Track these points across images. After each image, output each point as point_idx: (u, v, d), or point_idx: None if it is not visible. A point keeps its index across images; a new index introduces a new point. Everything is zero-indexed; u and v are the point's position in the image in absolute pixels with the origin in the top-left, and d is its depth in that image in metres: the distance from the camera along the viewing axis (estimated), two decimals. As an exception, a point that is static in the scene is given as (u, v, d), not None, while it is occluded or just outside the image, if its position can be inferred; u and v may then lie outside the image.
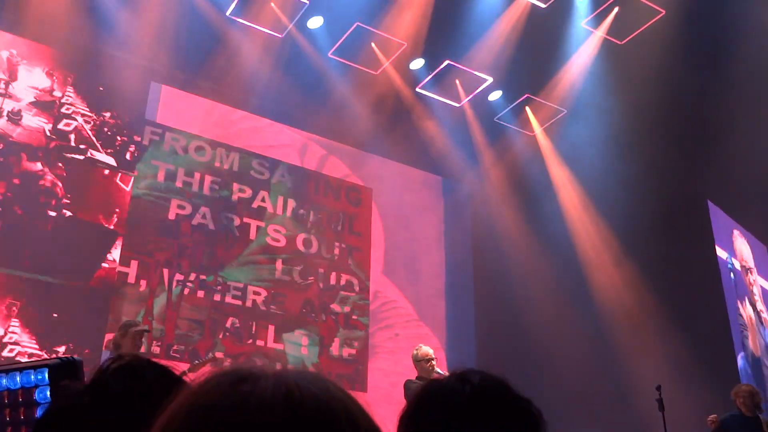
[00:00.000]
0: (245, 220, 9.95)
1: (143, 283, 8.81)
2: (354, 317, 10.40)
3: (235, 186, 10.04)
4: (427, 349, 6.84)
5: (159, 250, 9.12)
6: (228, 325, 9.25)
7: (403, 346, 10.54)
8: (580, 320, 9.79)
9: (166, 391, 0.71)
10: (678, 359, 8.54)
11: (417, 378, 6.87)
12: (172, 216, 9.37)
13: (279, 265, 9.97)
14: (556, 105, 10.96)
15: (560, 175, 11.20)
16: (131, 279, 8.76)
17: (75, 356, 2.00)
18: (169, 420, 0.62)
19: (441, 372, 6.68)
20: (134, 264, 8.87)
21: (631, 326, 9.56)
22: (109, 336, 7.85)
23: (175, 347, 8.79)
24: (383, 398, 9.31)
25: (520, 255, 10.66)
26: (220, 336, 9.16)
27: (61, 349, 7.89)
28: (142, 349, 6.02)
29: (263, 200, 10.22)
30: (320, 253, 10.44)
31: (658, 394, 7.02)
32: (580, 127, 10.51)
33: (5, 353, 7.63)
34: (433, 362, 6.72)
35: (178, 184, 9.57)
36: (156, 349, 8.53)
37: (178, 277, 9.08)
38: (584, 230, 10.70)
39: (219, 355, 8.37)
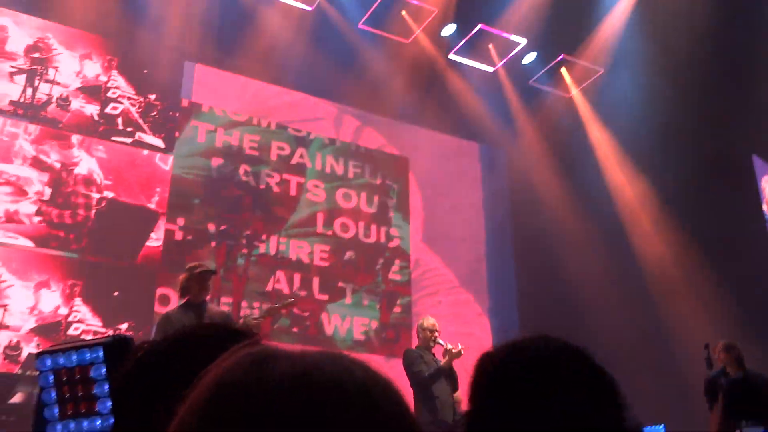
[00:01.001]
0: (285, 176, 10.06)
1: (188, 259, 8.97)
2: (396, 285, 10.47)
3: (273, 154, 10.13)
4: (433, 321, 6.88)
5: (201, 223, 9.27)
6: (280, 287, 9.40)
7: (446, 312, 10.61)
8: (624, 281, 9.70)
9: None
10: (725, 317, 8.44)
11: (417, 347, 6.91)
12: (212, 191, 9.50)
13: (321, 227, 10.08)
14: (592, 64, 10.76)
15: (598, 136, 11.04)
16: (176, 254, 8.94)
17: (127, 334, 2.07)
18: (193, 397, 0.65)
19: (442, 343, 6.72)
20: (179, 239, 9.04)
21: (676, 285, 9.44)
22: (159, 310, 8.05)
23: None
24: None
25: (560, 218, 10.58)
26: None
27: (124, 327, 8.15)
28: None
29: (301, 156, 10.32)
30: (358, 235, 10.50)
31: (706, 353, 6.95)
32: (617, 85, 10.32)
33: (71, 331, 7.92)
34: (437, 334, 6.72)
35: (216, 159, 9.69)
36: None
37: (226, 248, 9.24)
38: (625, 190, 10.55)
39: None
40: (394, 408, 0.65)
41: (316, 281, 9.82)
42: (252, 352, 0.67)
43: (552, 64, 10.93)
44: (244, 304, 9.19)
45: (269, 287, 9.45)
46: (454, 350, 6.46)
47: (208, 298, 5.37)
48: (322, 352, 0.68)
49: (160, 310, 8.18)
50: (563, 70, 11.10)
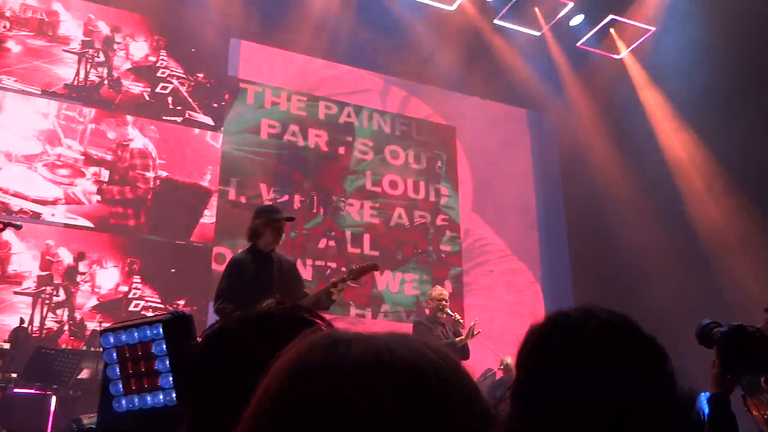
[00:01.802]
0: (333, 151, 10.12)
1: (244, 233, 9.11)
2: (447, 255, 10.48)
3: (321, 129, 10.19)
4: (441, 290, 6.79)
5: (253, 198, 9.40)
6: (339, 263, 9.51)
7: (498, 282, 10.59)
8: (678, 246, 9.49)
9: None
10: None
11: (426, 318, 6.86)
12: (262, 165, 9.61)
13: (371, 196, 10.13)
14: (642, 24, 10.44)
15: (651, 98, 10.74)
16: (229, 230, 9.09)
17: (185, 311, 2.14)
18: (269, 380, 0.67)
19: (451, 314, 6.66)
20: (232, 215, 9.19)
21: (733, 249, 9.19)
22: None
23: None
24: (481, 334, 9.40)
25: (612, 183, 10.38)
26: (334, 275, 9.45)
27: (181, 302, 8.37)
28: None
29: (349, 132, 10.36)
30: (407, 192, 10.51)
31: (766, 317, 6.78)
32: (669, 44, 9.99)
33: (131, 308, 8.18)
34: (444, 303, 6.63)
35: (264, 135, 9.79)
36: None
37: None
38: (679, 153, 10.27)
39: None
40: (467, 390, 0.66)
41: (366, 251, 9.88)
42: (324, 335, 0.68)
43: (600, 25, 10.65)
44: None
45: (322, 262, 9.55)
46: (475, 331, 6.44)
47: None
48: (391, 333, 0.68)
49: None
50: (612, 30, 10.81)
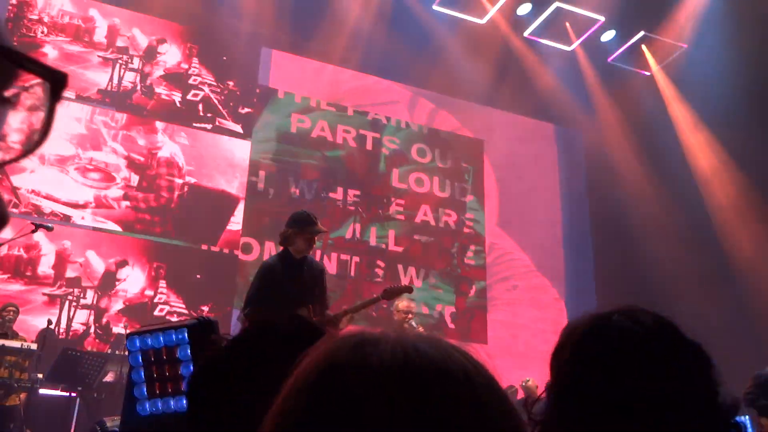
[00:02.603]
0: (360, 161, 10.15)
1: (269, 244, 9.16)
2: (471, 269, 10.44)
3: (350, 144, 10.23)
4: (407, 303, 6.67)
5: (279, 207, 9.45)
6: (364, 274, 9.52)
7: (522, 297, 10.51)
8: (707, 264, 9.36)
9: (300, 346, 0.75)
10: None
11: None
12: (290, 175, 9.66)
13: (397, 212, 10.14)
14: (674, 41, 10.36)
15: (682, 115, 10.64)
16: (256, 237, 9.14)
17: (210, 316, 2.15)
18: (296, 376, 0.66)
19: (414, 326, 6.55)
20: (258, 223, 9.24)
21: (761, 267, 9.05)
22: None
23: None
24: (504, 350, 9.36)
25: (640, 200, 10.28)
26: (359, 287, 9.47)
27: (206, 308, 8.43)
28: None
29: (376, 141, 10.39)
30: (438, 205, 10.51)
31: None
32: (702, 62, 9.90)
33: (156, 312, 8.25)
34: (410, 316, 6.53)
35: (293, 143, 9.85)
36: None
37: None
38: (711, 171, 10.15)
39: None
40: (494, 391, 0.66)
41: (391, 264, 9.88)
42: (351, 334, 0.68)
43: (632, 41, 10.59)
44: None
45: (346, 270, 9.57)
46: None
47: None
48: (419, 335, 0.68)
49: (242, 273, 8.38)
50: (644, 47, 10.74)
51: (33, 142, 0.46)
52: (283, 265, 4.83)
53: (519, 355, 7.67)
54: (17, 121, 0.44)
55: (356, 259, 9.71)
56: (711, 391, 1.14)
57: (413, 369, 0.62)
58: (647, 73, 11.02)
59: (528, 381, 7.61)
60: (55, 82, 0.45)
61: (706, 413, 1.12)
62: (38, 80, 0.45)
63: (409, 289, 5.37)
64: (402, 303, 6.67)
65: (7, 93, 0.44)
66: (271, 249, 8.93)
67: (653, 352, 1.14)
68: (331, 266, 9.39)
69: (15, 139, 0.45)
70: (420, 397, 0.61)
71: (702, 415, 1.11)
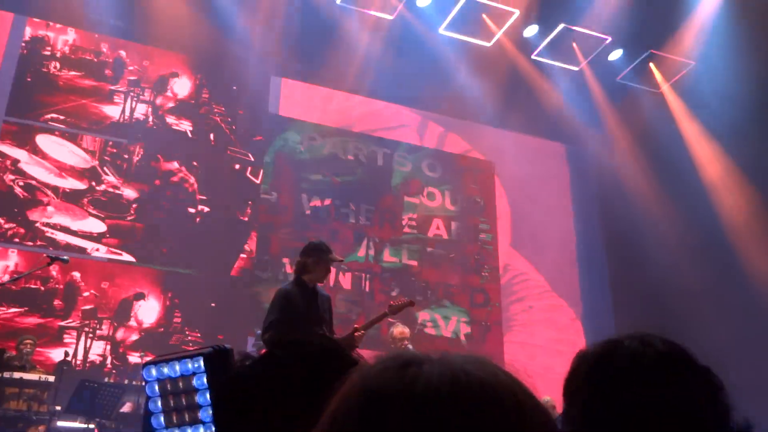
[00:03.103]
0: (374, 190, 10.19)
1: (284, 268, 9.18)
2: (486, 290, 10.40)
3: (361, 169, 10.28)
4: (402, 329, 6.63)
5: (293, 234, 9.48)
6: (377, 297, 9.51)
7: (537, 318, 10.45)
8: (724, 283, 9.26)
9: (332, 370, 0.74)
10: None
11: None
12: (302, 201, 9.70)
13: (410, 232, 10.15)
14: (682, 58, 10.37)
15: (692, 132, 10.60)
16: (269, 265, 9.16)
17: (226, 345, 2.16)
18: (340, 402, 0.65)
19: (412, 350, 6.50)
20: (271, 250, 9.27)
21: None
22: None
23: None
24: (521, 371, 9.26)
25: (653, 219, 10.22)
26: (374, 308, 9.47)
27: (221, 337, 8.43)
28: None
29: (388, 167, 10.43)
30: (449, 228, 10.51)
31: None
32: (711, 78, 9.87)
33: (172, 342, 8.26)
34: (406, 342, 6.50)
35: (305, 170, 9.91)
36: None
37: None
38: (723, 188, 10.09)
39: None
40: (540, 411, 0.65)
41: (405, 286, 9.86)
42: (394, 357, 0.67)
43: (639, 59, 10.60)
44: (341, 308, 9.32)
45: (360, 293, 9.57)
46: None
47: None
48: (465, 356, 0.67)
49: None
50: (652, 65, 10.75)
51: None
52: (299, 292, 4.90)
53: (536, 376, 7.60)
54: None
55: (370, 281, 9.70)
56: (721, 414, 1.14)
57: (462, 392, 0.61)
58: (656, 91, 11.02)
59: (547, 400, 7.53)
60: None
61: None
62: None
63: (411, 303, 5.52)
64: (396, 329, 6.65)
65: None
66: (285, 270, 8.95)
67: (663, 377, 1.14)
68: (345, 287, 9.39)
69: None
70: (470, 422, 0.60)
71: None
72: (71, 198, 8.52)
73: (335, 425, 0.64)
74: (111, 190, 8.75)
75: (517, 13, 9.84)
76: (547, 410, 0.66)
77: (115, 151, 8.96)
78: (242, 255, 9.17)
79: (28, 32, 9.02)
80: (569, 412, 1.20)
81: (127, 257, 8.56)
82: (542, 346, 8.38)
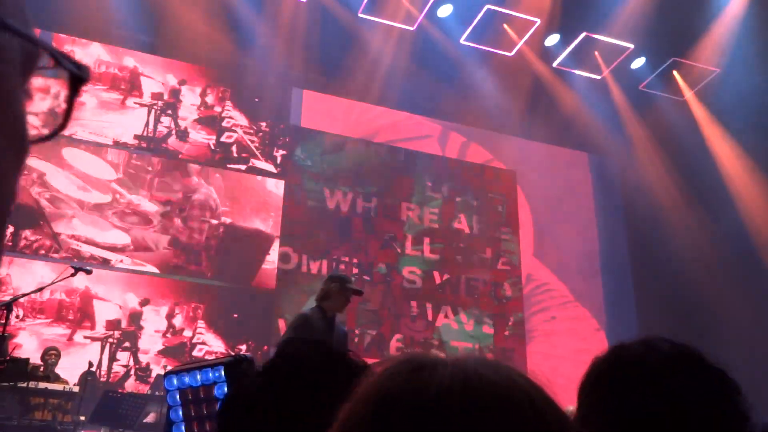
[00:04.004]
0: (394, 198, 10.19)
1: (306, 278, 9.20)
2: (508, 301, 10.34)
3: (382, 180, 10.28)
4: None
5: (314, 246, 9.50)
6: (398, 310, 9.49)
7: (560, 328, 10.36)
8: (751, 294, 9.13)
9: (341, 377, 0.74)
10: None
11: None
12: (323, 213, 9.73)
13: (434, 247, 10.13)
14: (707, 65, 10.27)
15: (718, 140, 10.50)
16: (291, 276, 9.19)
17: (247, 354, 2.16)
18: (352, 407, 0.64)
19: None
20: (293, 261, 9.30)
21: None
22: (280, 323, 8.31)
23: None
24: (542, 378, 9.17)
25: (677, 227, 10.11)
26: (395, 322, 9.44)
27: (243, 347, 8.47)
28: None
29: (409, 178, 10.44)
30: (471, 237, 10.47)
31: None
32: (735, 86, 9.78)
33: (195, 352, 8.31)
34: None
35: (326, 182, 9.93)
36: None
37: (341, 267, 9.45)
38: (748, 196, 9.96)
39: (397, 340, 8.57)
40: (557, 414, 0.63)
41: (429, 303, 9.84)
42: (406, 360, 0.66)
43: (663, 67, 10.52)
44: (357, 331, 9.32)
45: (382, 309, 9.55)
46: None
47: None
48: (478, 357, 0.66)
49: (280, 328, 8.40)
50: (675, 72, 10.66)
51: (56, 127, 0.47)
52: (319, 318, 4.98)
53: (560, 386, 7.45)
54: (45, 106, 0.46)
55: (390, 294, 9.69)
56: (738, 417, 1.12)
57: (474, 395, 0.60)
58: (680, 99, 10.93)
59: (571, 410, 7.46)
60: (76, 78, 0.46)
61: None
62: (63, 73, 0.46)
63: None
64: None
65: (32, 81, 0.46)
66: (307, 281, 8.96)
67: (672, 381, 1.13)
68: (367, 296, 9.39)
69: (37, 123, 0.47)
70: (483, 425, 0.58)
71: None
72: (96, 210, 8.62)
73: (348, 429, 0.63)
74: (135, 202, 8.84)
75: (538, 22, 9.82)
76: (567, 417, 0.64)
77: (138, 163, 9.05)
78: (264, 266, 9.20)
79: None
80: (579, 415, 1.20)
81: (150, 268, 8.63)
82: (565, 357, 8.27)
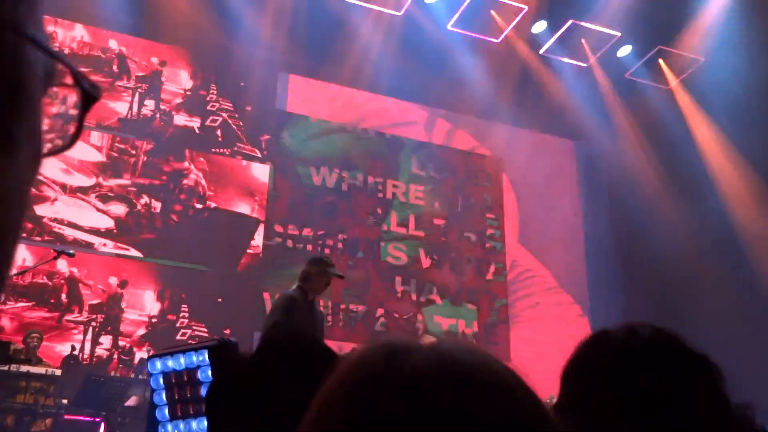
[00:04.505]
0: (378, 180, 10.20)
1: (290, 253, 9.19)
2: (493, 287, 10.39)
3: (368, 165, 10.28)
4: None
5: (299, 229, 9.49)
6: (383, 294, 9.51)
7: (545, 315, 10.44)
8: (734, 281, 9.23)
9: (318, 363, 0.74)
10: None
11: None
12: (308, 197, 9.72)
13: (419, 230, 10.16)
14: (692, 54, 10.32)
15: (702, 129, 10.56)
16: (275, 260, 9.17)
17: (231, 338, 2.15)
18: (327, 392, 0.64)
19: None
20: (277, 245, 9.28)
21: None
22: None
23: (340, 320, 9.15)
24: (527, 367, 9.22)
25: (662, 214, 10.18)
26: (379, 307, 9.47)
27: (227, 331, 8.44)
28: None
29: (394, 160, 10.45)
30: (456, 222, 10.50)
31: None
32: (720, 74, 9.82)
33: (179, 336, 8.29)
34: None
35: (311, 166, 9.91)
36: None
37: (329, 242, 9.47)
38: (732, 184, 10.04)
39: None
40: (530, 398, 0.64)
41: (412, 284, 9.87)
42: (382, 345, 0.66)
43: (648, 55, 10.56)
44: (342, 306, 9.34)
45: (366, 290, 9.57)
46: None
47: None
48: (453, 341, 0.66)
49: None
50: (661, 61, 10.70)
51: (57, 148, 0.48)
52: (302, 300, 5.02)
53: (543, 372, 7.51)
54: (44, 124, 0.47)
55: (375, 276, 9.71)
56: (719, 402, 1.12)
57: (449, 378, 0.60)
58: (665, 87, 10.97)
59: (553, 398, 7.52)
60: (89, 97, 0.47)
61: (715, 425, 1.10)
62: (74, 89, 0.47)
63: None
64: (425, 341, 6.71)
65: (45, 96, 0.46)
66: (291, 267, 8.94)
67: (653, 365, 1.13)
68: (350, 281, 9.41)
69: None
70: (457, 406, 0.59)
71: (710, 427, 1.10)
72: (78, 193, 8.55)
73: (323, 413, 0.63)
74: (118, 185, 8.77)
75: (525, 9, 9.81)
76: (540, 400, 0.65)
77: (122, 146, 8.97)
78: (249, 250, 9.18)
79: (37, 28, 9.03)
80: (560, 401, 1.20)
81: (134, 252, 8.58)
82: (549, 343, 8.32)
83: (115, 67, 9.26)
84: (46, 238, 8.16)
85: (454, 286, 10.13)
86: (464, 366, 0.61)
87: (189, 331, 8.43)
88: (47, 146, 0.47)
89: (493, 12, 9.95)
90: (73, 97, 0.47)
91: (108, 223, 8.58)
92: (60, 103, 0.48)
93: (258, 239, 9.26)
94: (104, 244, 8.47)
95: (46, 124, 0.47)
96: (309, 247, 9.45)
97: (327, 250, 9.45)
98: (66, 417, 6.15)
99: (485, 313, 10.18)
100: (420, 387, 0.59)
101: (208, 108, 9.60)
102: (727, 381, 1.14)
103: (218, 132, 9.54)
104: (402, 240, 10.09)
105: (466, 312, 10.05)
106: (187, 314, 8.52)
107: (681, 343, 1.17)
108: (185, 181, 9.13)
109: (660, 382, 1.11)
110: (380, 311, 9.58)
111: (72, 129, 0.48)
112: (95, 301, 8.17)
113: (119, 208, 8.69)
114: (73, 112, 0.48)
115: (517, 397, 0.62)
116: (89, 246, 8.37)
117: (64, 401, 6.15)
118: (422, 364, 0.61)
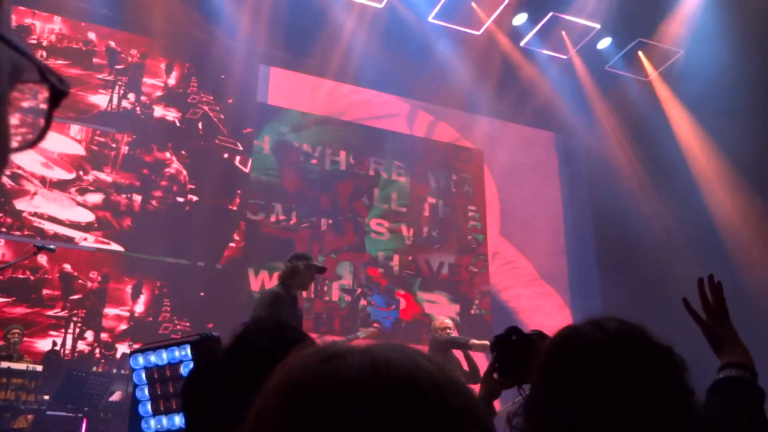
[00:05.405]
0: (360, 172, 10.20)
1: (273, 229, 9.18)
2: (474, 277, 10.44)
3: (348, 153, 10.28)
4: (443, 320, 6.74)
5: (281, 222, 9.47)
6: (366, 290, 9.53)
7: (526, 305, 10.50)
8: (714, 272, 9.31)
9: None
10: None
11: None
12: (290, 189, 9.70)
13: (404, 230, 10.18)
14: (670, 46, 10.40)
15: (680, 120, 10.66)
16: (258, 254, 9.16)
17: (213, 332, 2.15)
18: (264, 399, 0.65)
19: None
20: (260, 239, 9.26)
21: (763, 265, 9.02)
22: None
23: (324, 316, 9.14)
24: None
25: (642, 206, 10.27)
26: (363, 302, 9.49)
27: (210, 326, 8.40)
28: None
29: (378, 166, 10.44)
30: (437, 215, 10.53)
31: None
32: (699, 66, 9.91)
33: (161, 331, 8.24)
34: (449, 331, 6.58)
35: (293, 159, 9.89)
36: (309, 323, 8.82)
37: (307, 245, 9.46)
38: (711, 175, 10.15)
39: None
40: (464, 400, 0.64)
41: (395, 274, 9.89)
42: (317, 350, 0.67)
43: (628, 48, 10.62)
44: (326, 299, 9.35)
45: (350, 283, 9.58)
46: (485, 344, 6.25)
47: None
48: (385, 344, 0.67)
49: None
50: (640, 53, 10.77)
51: (27, 142, 0.48)
52: (286, 295, 5.04)
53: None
54: (15, 119, 0.47)
55: (359, 270, 9.72)
56: (682, 393, 1.14)
57: (381, 381, 0.61)
58: (645, 79, 11.05)
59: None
60: (58, 92, 0.47)
61: (677, 418, 1.12)
62: (43, 85, 0.47)
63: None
64: (436, 321, 6.78)
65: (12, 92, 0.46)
66: (272, 261, 8.95)
67: (620, 361, 1.15)
68: (331, 275, 9.43)
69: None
70: (388, 410, 0.60)
71: (672, 419, 1.12)
72: (58, 187, 8.47)
73: (261, 416, 0.64)
74: (99, 179, 8.71)
75: (506, 0, 9.82)
76: (470, 392, 0.66)
77: (102, 140, 8.90)
78: (231, 244, 9.15)
79: (14, 21, 8.91)
80: (530, 400, 1.22)
81: (115, 246, 8.53)
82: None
83: (94, 60, 9.18)
84: (26, 232, 8.09)
85: (434, 278, 10.17)
86: (395, 368, 0.62)
87: (171, 326, 8.40)
88: (18, 140, 0.47)
89: (473, 4, 9.96)
90: (44, 92, 0.47)
91: (89, 217, 8.52)
92: (31, 97, 0.48)
93: (240, 233, 9.23)
94: (85, 239, 8.41)
95: (17, 118, 0.47)
96: (293, 235, 9.43)
97: (314, 219, 9.46)
98: (48, 413, 6.11)
99: (467, 305, 10.23)
100: (354, 393, 0.60)
101: (189, 101, 9.53)
102: (690, 372, 1.16)
103: (199, 125, 9.48)
104: (384, 233, 10.10)
105: (448, 303, 10.09)
106: (168, 309, 8.49)
107: (645, 335, 1.19)
108: (166, 174, 9.08)
109: (624, 375, 1.13)
110: (362, 301, 9.62)
111: (42, 123, 0.48)
112: (77, 296, 8.11)
113: (100, 202, 8.62)
114: (44, 106, 0.48)
115: (444, 391, 0.62)
116: (70, 240, 8.31)
117: (46, 397, 6.12)
118: (356, 369, 0.62)
